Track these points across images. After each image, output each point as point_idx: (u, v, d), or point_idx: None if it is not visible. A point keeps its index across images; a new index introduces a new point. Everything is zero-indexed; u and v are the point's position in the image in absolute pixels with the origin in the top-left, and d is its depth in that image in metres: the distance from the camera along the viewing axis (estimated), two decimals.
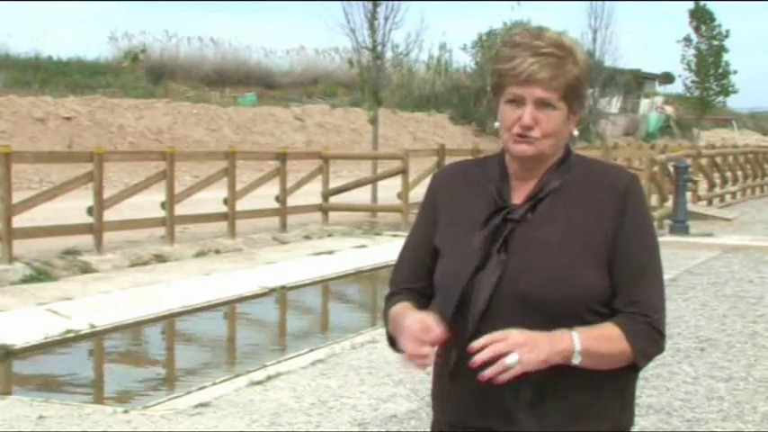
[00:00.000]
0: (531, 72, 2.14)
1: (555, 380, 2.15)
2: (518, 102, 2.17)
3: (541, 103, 2.16)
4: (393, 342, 2.32)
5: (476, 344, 2.08)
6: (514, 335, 2.06)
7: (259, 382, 6.69)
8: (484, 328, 2.14)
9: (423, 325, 2.13)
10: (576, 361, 2.10)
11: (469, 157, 2.57)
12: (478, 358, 2.07)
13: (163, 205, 13.78)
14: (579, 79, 2.19)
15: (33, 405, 6.28)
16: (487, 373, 2.07)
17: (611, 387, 2.22)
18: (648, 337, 2.18)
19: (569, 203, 2.21)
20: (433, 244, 2.31)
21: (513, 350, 2.05)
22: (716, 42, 54.58)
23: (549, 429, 2.17)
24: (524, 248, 2.18)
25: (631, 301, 2.17)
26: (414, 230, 2.41)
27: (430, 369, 2.35)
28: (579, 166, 2.26)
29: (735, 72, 55.15)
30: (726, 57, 54.86)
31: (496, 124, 2.27)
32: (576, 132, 2.26)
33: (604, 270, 2.17)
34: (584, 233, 2.18)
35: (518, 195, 2.24)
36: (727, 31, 54.56)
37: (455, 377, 2.23)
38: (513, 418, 2.17)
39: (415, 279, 2.35)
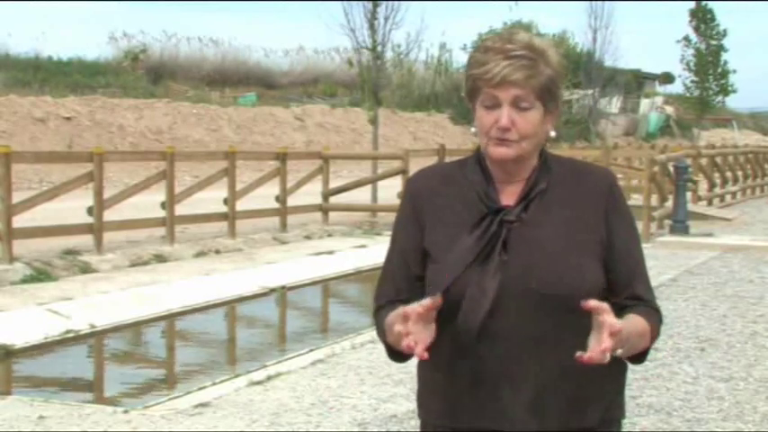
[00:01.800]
0: (505, 74, 2.17)
1: (555, 378, 2.17)
2: (494, 105, 2.20)
3: (517, 104, 2.19)
4: (392, 351, 2.30)
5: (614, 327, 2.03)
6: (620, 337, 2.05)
7: (259, 382, 6.69)
8: (494, 327, 2.16)
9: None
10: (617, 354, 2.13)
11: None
12: (606, 347, 2.02)
13: (163, 205, 13.78)
14: (553, 80, 2.22)
15: (33, 405, 6.28)
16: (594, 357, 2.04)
17: (609, 382, 2.26)
18: (659, 329, 2.30)
19: (558, 202, 2.25)
20: (422, 247, 2.30)
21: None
22: (714, 42, 54.61)
23: (549, 428, 2.18)
24: (525, 248, 2.20)
25: (637, 294, 2.27)
26: (398, 238, 2.37)
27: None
28: (558, 166, 2.31)
29: (734, 71, 55.23)
30: (724, 56, 54.95)
31: (473, 129, 2.29)
32: (553, 133, 2.28)
33: (600, 264, 2.24)
34: (578, 230, 2.23)
35: (506, 197, 2.26)
36: (725, 31, 54.63)
37: (451, 376, 2.23)
38: (512, 417, 2.17)
39: (405, 289, 2.31)
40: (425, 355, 2.07)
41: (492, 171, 2.28)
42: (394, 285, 2.34)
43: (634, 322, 2.20)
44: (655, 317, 2.28)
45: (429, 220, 2.31)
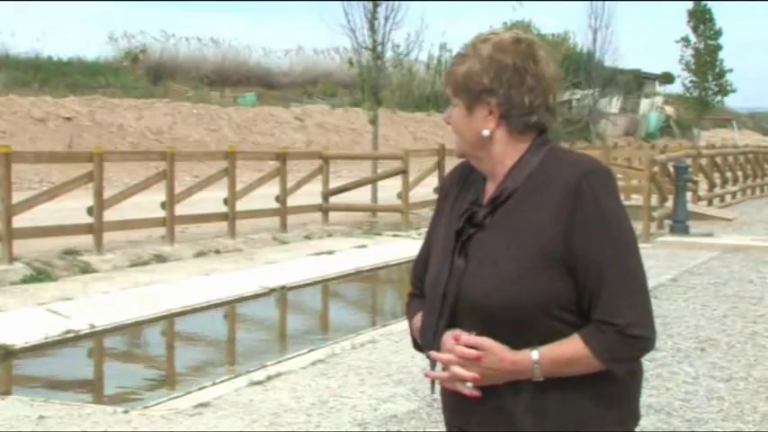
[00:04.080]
0: (448, 71, 2.27)
1: (555, 379, 2.15)
2: None
3: (452, 101, 2.26)
4: (416, 343, 2.41)
5: (442, 356, 2.16)
6: (482, 366, 2.12)
7: (259, 382, 6.69)
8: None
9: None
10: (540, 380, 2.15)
11: None
12: (439, 376, 2.18)
13: (163, 205, 13.78)
14: (470, 74, 2.19)
15: (33, 405, 6.28)
16: (438, 378, 2.19)
17: (612, 385, 2.18)
18: (618, 345, 2.10)
19: (527, 205, 2.16)
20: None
21: (473, 381, 2.12)
22: (712, 42, 54.63)
23: (549, 429, 2.17)
24: (479, 254, 2.17)
25: (598, 307, 2.10)
26: (428, 228, 2.46)
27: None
28: (545, 164, 2.19)
29: (730, 71, 55.23)
30: (722, 55, 55.00)
31: None
32: (485, 132, 2.19)
33: (561, 274, 2.10)
34: (536, 236, 2.12)
35: (486, 198, 2.26)
36: (720, 29, 54.64)
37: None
38: (512, 418, 2.17)
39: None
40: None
41: None
42: (418, 278, 2.41)
43: (559, 350, 2.10)
44: (603, 338, 2.09)
45: (440, 216, 2.35)
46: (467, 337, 2.12)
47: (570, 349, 2.10)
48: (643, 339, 2.12)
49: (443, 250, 2.24)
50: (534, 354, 2.09)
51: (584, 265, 2.10)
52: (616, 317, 2.08)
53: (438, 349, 2.18)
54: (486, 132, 2.19)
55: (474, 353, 2.10)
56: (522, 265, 2.11)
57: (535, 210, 2.14)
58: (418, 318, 2.34)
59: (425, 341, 2.24)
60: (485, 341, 2.11)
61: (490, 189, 2.25)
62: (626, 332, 2.09)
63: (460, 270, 2.17)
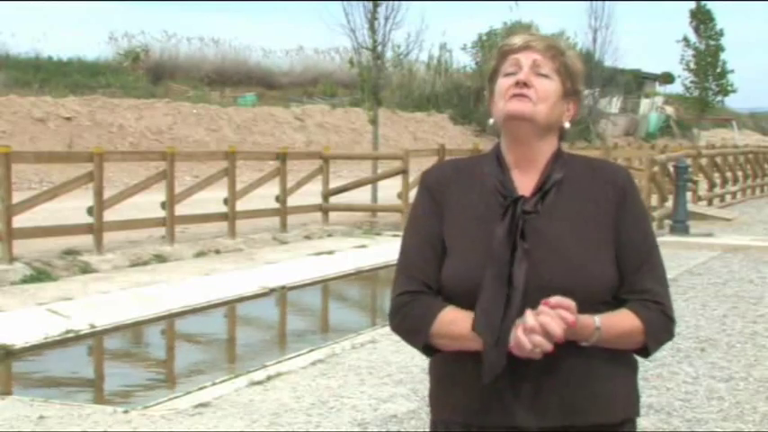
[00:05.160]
0: (529, 40, 2.29)
1: (554, 374, 2.16)
2: (515, 71, 2.27)
3: (537, 70, 2.26)
4: (426, 345, 2.29)
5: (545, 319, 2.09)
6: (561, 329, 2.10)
7: (259, 382, 6.69)
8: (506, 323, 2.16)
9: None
10: (587, 345, 2.18)
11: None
12: (535, 341, 2.08)
13: (163, 205, 13.78)
14: (570, 67, 2.31)
15: (33, 405, 6.28)
16: (525, 349, 2.10)
17: (611, 379, 2.24)
18: (662, 323, 2.28)
19: (573, 197, 2.27)
20: (443, 238, 2.29)
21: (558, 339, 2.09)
22: (713, 42, 54.67)
23: (550, 424, 2.17)
24: (539, 241, 2.20)
25: (640, 289, 2.26)
26: (418, 225, 2.35)
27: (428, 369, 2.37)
28: (574, 162, 2.33)
29: (732, 71, 55.27)
30: (723, 56, 55.03)
31: (491, 121, 2.31)
32: (567, 124, 2.32)
33: (612, 260, 2.24)
34: (591, 226, 2.24)
35: (522, 187, 2.27)
36: (721, 30, 54.71)
37: (462, 373, 2.23)
38: (513, 414, 2.18)
39: (433, 279, 2.28)
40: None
41: (508, 159, 2.30)
42: (423, 274, 2.30)
43: (616, 319, 2.21)
44: (651, 314, 2.26)
45: (447, 211, 2.31)
46: (556, 299, 2.09)
47: (627, 321, 2.23)
48: (674, 324, 2.33)
49: (488, 240, 2.20)
50: (597, 320, 2.18)
51: (629, 253, 2.27)
52: (661, 298, 2.31)
53: (506, 336, 2.12)
54: (567, 124, 2.33)
55: (572, 316, 2.09)
56: (586, 250, 2.22)
57: (588, 202, 2.27)
58: (448, 312, 2.22)
59: (490, 329, 2.14)
60: (567, 300, 2.10)
61: (524, 179, 2.28)
62: (666, 312, 2.30)
63: (527, 256, 2.18)
